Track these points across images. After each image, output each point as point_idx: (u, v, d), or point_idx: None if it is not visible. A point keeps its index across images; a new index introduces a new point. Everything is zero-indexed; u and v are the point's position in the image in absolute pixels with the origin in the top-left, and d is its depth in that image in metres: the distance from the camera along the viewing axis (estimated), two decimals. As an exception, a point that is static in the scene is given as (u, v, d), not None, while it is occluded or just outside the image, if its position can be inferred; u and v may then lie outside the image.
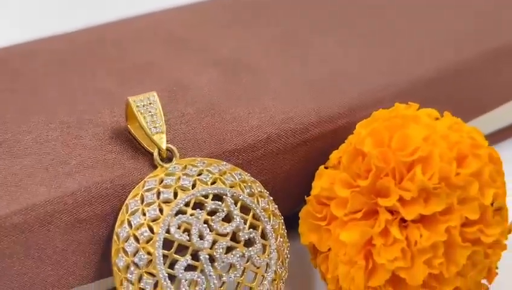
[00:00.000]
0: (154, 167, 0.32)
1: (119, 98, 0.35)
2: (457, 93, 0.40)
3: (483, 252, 0.29)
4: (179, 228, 0.30)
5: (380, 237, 0.30)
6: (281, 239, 0.32)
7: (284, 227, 0.33)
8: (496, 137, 0.44)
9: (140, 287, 0.29)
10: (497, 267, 0.31)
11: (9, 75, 0.37)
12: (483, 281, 0.31)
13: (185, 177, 0.31)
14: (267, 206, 0.32)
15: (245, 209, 0.31)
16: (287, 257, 0.33)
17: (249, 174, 0.33)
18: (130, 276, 0.29)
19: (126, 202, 0.30)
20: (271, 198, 0.33)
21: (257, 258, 0.31)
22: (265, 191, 0.33)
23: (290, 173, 0.35)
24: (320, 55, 0.39)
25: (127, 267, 0.29)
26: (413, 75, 0.38)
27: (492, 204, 0.29)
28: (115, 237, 0.30)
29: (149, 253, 0.29)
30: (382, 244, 0.29)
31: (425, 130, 0.30)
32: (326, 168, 0.33)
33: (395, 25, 0.42)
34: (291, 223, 0.34)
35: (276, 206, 0.33)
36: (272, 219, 0.32)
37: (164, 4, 0.45)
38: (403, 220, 0.30)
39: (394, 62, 0.39)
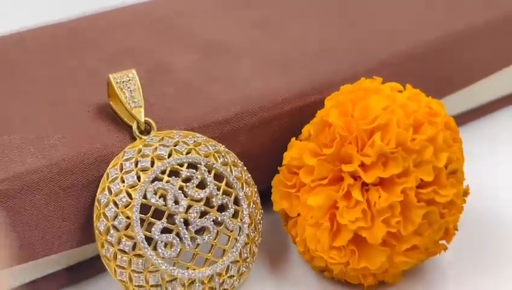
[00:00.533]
0: (134, 139, 0.34)
1: (104, 79, 0.37)
2: (426, 72, 0.42)
3: (438, 212, 0.31)
4: (155, 193, 0.32)
5: (343, 200, 0.32)
6: (254, 205, 0.34)
7: (257, 195, 0.35)
8: (470, 115, 0.46)
9: (119, 249, 0.32)
10: (456, 229, 0.33)
11: (0, 61, 0.39)
12: (443, 241, 0.33)
13: (161, 147, 0.33)
14: (240, 175, 0.34)
15: (219, 178, 0.33)
16: (260, 222, 0.35)
17: (223, 146, 0.35)
18: (110, 238, 0.32)
19: (107, 170, 0.32)
20: (245, 168, 0.35)
21: (230, 222, 0.33)
22: (239, 161, 0.35)
23: (264, 146, 0.37)
24: (294, 37, 0.42)
25: (108, 230, 0.32)
26: (382, 54, 0.40)
27: (446, 167, 0.31)
28: (96, 203, 0.32)
29: (127, 217, 0.31)
30: (345, 206, 0.32)
31: (385, 100, 0.32)
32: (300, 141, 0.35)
33: (366, 7, 0.44)
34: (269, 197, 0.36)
35: (250, 175, 0.35)
36: (244, 186, 0.34)
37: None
38: (365, 184, 0.32)
39: (364, 42, 0.41)
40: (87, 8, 0.46)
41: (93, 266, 0.35)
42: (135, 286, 0.32)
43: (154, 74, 0.38)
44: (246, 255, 0.34)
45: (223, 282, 0.33)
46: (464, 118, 0.46)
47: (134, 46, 0.41)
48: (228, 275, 0.33)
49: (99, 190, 0.32)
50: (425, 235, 0.31)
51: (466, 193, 0.33)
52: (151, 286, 0.32)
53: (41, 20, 0.45)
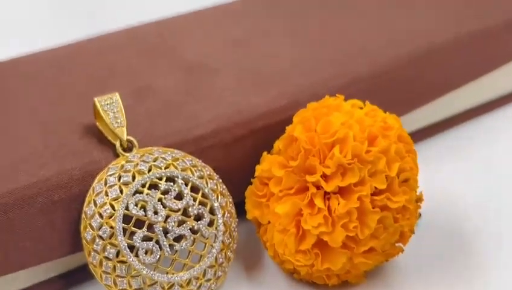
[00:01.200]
0: (117, 156, 0.37)
1: (91, 100, 0.40)
2: (394, 88, 0.45)
3: (392, 217, 0.34)
4: (136, 205, 0.35)
5: (307, 207, 0.35)
6: (228, 215, 0.37)
7: (232, 205, 0.38)
8: (436, 128, 0.50)
9: (104, 256, 0.35)
10: (412, 232, 0.36)
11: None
12: (399, 244, 0.36)
13: (142, 163, 0.36)
14: (215, 187, 0.37)
15: (195, 190, 0.37)
16: (235, 230, 0.38)
17: (200, 161, 0.38)
18: (96, 247, 0.35)
19: (92, 185, 0.36)
20: (220, 180, 0.38)
21: (205, 230, 0.36)
22: (215, 174, 0.38)
23: (239, 160, 0.40)
24: (268, 56, 0.45)
25: (94, 239, 0.35)
26: (351, 72, 0.44)
27: (399, 176, 0.34)
28: (83, 215, 0.35)
29: (111, 227, 0.35)
30: (309, 213, 0.35)
31: (344, 116, 0.36)
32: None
33: (336, 26, 0.48)
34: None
35: (225, 187, 0.38)
36: (219, 197, 0.37)
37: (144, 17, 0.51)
38: (326, 193, 0.35)
39: (333, 60, 0.44)
40: (76, 34, 0.50)
41: (84, 273, 0.38)
42: (119, 289, 0.35)
43: (138, 94, 0.41)
44: (221, 260, 0.37)
45: (200, 285, 0.36)
46: (432, 129, 0.49)
47: (120, 69, 0.44)
48: (205, 278, 0.36)
49: (85, 203, 0.35)
50: (381, 238, 0.34)
51: (419, 199, 0.36)
52: (134, 289, 0.35)
53: (34, 48, 0.48)
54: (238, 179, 0.40)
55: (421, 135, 0.48)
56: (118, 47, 0.47)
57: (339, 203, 0.34)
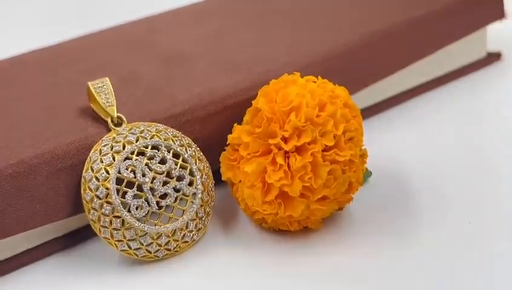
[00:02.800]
0: (109, 130, 0.44)
1: (84, 87, 0.47)
2: (342, 71, 0.52)
3: (340, 169, 0.41)
4: (127, 169, 0.42)
5: (271, 165, 0.42)
6: (206, 177, 0.44)
7: (209, 169, 0.45)
8: (391, 102, 0.57)
9: (102, 213, 0.41)
10: (360, 183, 0.43)
11: (1, 78, 0.50)
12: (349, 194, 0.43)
13: (130, 135, 0.43)
14: (194, 153, 0.44)
15: (176, 156, 0.43)
16: (212, 189, 0.45)
17: (180, 133, 0.45)
18: (95, 205, 0.41)
19: (89, 154, 0.42)
20: (198, 148, 0.45)
21: (186, 188, 0.43)
22: (194, 143, 0.45)
23: (213, 133, 0.47)
24: (237, 45, 0.52)
25: (92, 199, 0.42)
26: (307, 57, 0.50)
27: (344, 135, 0.41)
28: (82, 179, 0.42)
29: (107, 188, 0.41)
30: (271, 170, 0.41)
31: (299, 88, 0.43)
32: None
33: (294, 19, 0.55)
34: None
35: (202, 154, 0.45)
36: (197, 162, 0.44)
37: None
38: (286, 153, 0.42)
39: (292, 46, 0.51)
40: (66, 34, 0.57)
41: (83, 233, 0.45)
42: (115, 240, 0.42)
43: (124, 81, 0.48)
44: (201, 214, 0.43)
45: (184, 235, 0.43)
46: (381, 106, 0.56)
47: (106, 62, 0.51)
48: (188, 230, 0.43)
49: (84, 170, 0.42)
50: (333, 187, 0.41)
51: (364, 155, 0.43)
52: (128, 240, 0.42)
53: (31, 46, 0.55)
54: (213, 149, 0.47)
55: (373, 110, 0.55)
56: (103, 43, 0.54)
57: (296, 160, 0.41)
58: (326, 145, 0.41)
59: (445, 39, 0.58)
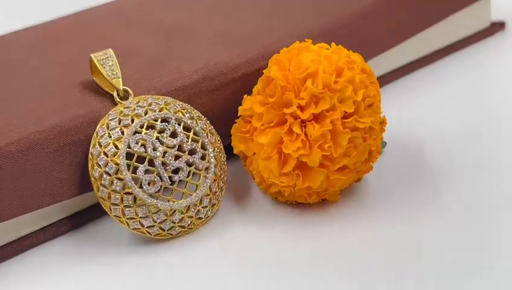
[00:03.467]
0: (115, 104, 0.42)
1: (84, 63, 0.45)
2: (351, 39, 0.50)
3: (360, 137, 0.39)
4: (137, 143, 0.40)
5: (287, 135, 0.40)
6: (218, 150, 0.42)
7: (220, 142, 0.43)
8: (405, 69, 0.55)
9: (112, 189, 0.39)
10: (379, 152, 0.42)
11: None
12: (368, 163, 0.42)
13: (138, 108, 0.41)
14: (205, 126, 0.42)
15: (187, 129, 0.41)
16: (224, 163, 0.43)
17: (189, 105, 0.43)
18: (104, 182, 0.39)
19: (96, 129, 0.40)
20: (208, 121, 0.43)
21: (199, 162, 0.41)
22: (203, 116, 0.43)
23: (223, 105, 0.45)
24: (239, 18, 0.50)
25: (101, 176, 0.39)
26: (312, 26, 0.49)
27: (364, 101, 0.40)
28: (90, 156, 0.40)
29: (116, 163, 0.39)
30: (288, 140, 0.40)
31: (313, 54, 0.41)
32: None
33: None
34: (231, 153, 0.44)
35: (213, 127, 0.43)
36: (209, 135, 0.42)
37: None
38: (303, 122, 0.40)
39: (296, 17, 0.50)
40: (64, 10, 0.54)
41: (90, 214, 0.43)
42: (127, 218, 0.40)
43: (125, 56, 0.46)
44: (215, 189, 0.42)
45: (198, 211, 0.41)
46: (391, 75, 0.55)
47: (106, 36, 0.49)
48: (202, 205, 0.41)
49: (91, 145, 0.40)
50: (353, 156, 0.40)
51: (383, 122, 0.42)
52: (140, 217, 0.40)
53: (24, 23, 0.53)
54: (221, 122, 0.45)
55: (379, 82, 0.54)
56: (99, 19, 0.52)
57: (314, 128, 0.39)
58: (346, 112, 0.39)
59: (450, 7, 0.56)
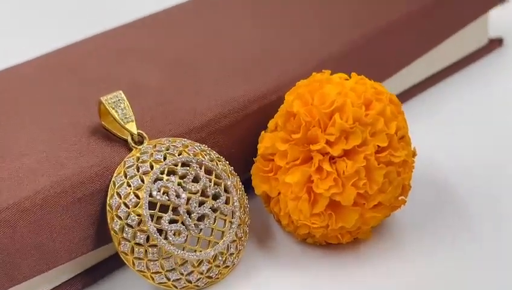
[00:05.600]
0: (130, 150, 0.39)
1: (89, 102, 0.42)
2: (363, 62, 0.49)
3: (395, 171, 0.38)
4: (159, 191, 0.37)
5: (316, 173, 0.38)
6: (240, 192, 0.40)
7: (241, 183, 0.40)
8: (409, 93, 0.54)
9: (136, 243, 0.37)
10: (410, 186, 0.40)
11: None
12: (401, 197, 0.40)
13: (156, 153, 0.38)
14: (225, 167, 0.40)
15: (208, 172, 0.39)
16: (247, 206, 0.40)
17: (206, 146, 0.40)
18: (126, 235, 0.37)
19: (112, 179, 0.37)
20: (227, 162, 0.41)
21: (224, 207, 0.39)
22: (221, 157, 0.40)
23: (239, 143, 0.43)
24: (245, 47, 0.48)
25: (122, 229, 0.37)
26: (324, 53, 0.47)
27: (396, 134, 0.38)
28: (108, 208, 0.37)
29: (138, 215, 0.37)
30: (318, 178, 0.38)
31: (337, 87, 0.39)
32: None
33: (298, 14, 0.51)
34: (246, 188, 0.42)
35: (232, 167, 0.41)
36: (230, 177, 0.40)
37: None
38: (332, 158, 0.38)
39: (305, 44, 0.48)
40: (61, 41, 0.51)
41: (106, 266, 0.40)
42: (152, 273, 0.37)
43: (130, 93, 0.43)
44: (240, 234, 0.39)
45: (225, 260, 0.38)
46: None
47: (107, 72, 0.46)
48: (229, 253, 0.39)
49: (108, 197, 0.37)
50: (388, 192, 0.38)
51: (414, 153, 0.40)
52: (167, 271, 0.37)
53: (19, 58, 0.49)
54: (238, 161, 0.42)
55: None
56: (95, 52, 0.49)
57: (346, 165, 0.37)
58: (379, 147, 0.38)
59: (449, 29, 0.55)
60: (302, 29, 0.49)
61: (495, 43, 0.59)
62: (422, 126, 0.50)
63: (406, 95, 0.54)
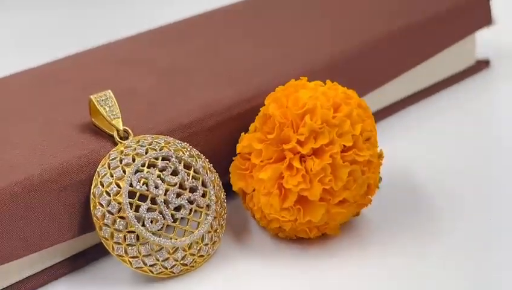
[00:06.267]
0: (115, 144, 0.42)
1: (83, 103, 0.45)
2: (347, 75, 0.51)
3: (360, 170, 0.40)
4: (139, 181, 0.40)
5: (287, 170, 0.41)
6: (218, 187, 0.43)
7: (219, 180, 0.43)
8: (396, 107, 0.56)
9: (115, 228, 0.39)
10: (377, 186, 0.42)
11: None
12: (367, 196, 0.42)
13: (139, 147, 0.41)
14: (204, 164, 0.43)
15: (187, 167, 0.42)
16: (224, 201, 0.43)
17: (188, 144, 0.43)
18: (107, 221, 0.39)
19: (97, 169, 0.41)
20: (207, 160, 0.43)
21: (200, 199, 0.41)
22: (202, 155, 0.43)
23: (220, 144, 0.46)
24: (232, 56, 0.51)
25: (103, 215, 0.40)
26: (307, 65, 0.50)
27: (362, 135, 0.41)
28: (92, 196, 0.40)
29: (119, 203, 0.39)
30: (289, 175, 0.40)
31: (310, 91, 0.42)
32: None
33: (285, 26, 0.55)
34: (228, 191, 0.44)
35: (211, 165, 0.43)
36: (208, 173, 0.42)
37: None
38: (302, 157, 0.41)
39: (289, 55, 0.51)
40: (60, 51, 0.55)
41: (90, 255, 0.43)
42: (130, 257, 0.40)
43: (122, 96, 0.46)
44: (216, 227, 0.42)
45: (200, 249, 0.41)
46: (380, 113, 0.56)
47: (102, 78, 0.50)
48: (204, 243, 0.41)
49: (93, 185, 0.40)
50: (353, 189, 0.40)
51: (381, 155, 0.43)
52: (143, 256, 0.40)
53: (19, 67, 0.53)
54: (219, 160, 0.45)
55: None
56: (95, 61, 0.53)
57: (314, 163, 0.40)
58: (345, 146, 0.40)
59: (435, 47, 0.58)
60: (287, 44, 0.52)
61: (482, 64, 0.62)
62: (403, 140, 0.53)
63: (389, 110, 0.56)
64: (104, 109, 0.42)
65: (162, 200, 0.40)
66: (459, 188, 0.47)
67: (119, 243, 0.40)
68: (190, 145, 0.44)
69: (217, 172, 0.43)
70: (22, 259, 0.40)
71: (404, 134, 0.54)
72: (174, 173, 0.41)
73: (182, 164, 0.41)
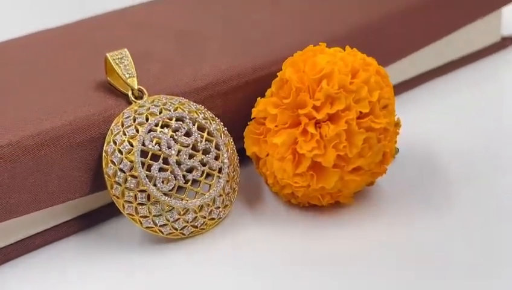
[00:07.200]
0: (130, 103, 0.42)
1: (100, 62, 0.45)
2: (364, 48, 0.51)
3: (375, 137, 0.39)
4: (151, 141, 0.40)
5: (301, 135, 0.40)
6: (231, 151, 0.42)
7: (233, 143, 0.43)
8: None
9: (126, 187, 0.39)
10: (393, 155, 0.42)
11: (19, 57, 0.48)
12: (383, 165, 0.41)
13: (153, 107, 0.41)
14: (218, 127, 0.42)
15: (201, 129, 0.41)
16: (238, 165, 0.43)
17: (203, 106, 0.43)
18: (118, 179, 0.39)
19: (110, 127, 0.40)
20: (221, 123, 0.43)
21: (213, 162, 0.41)
22: (217, 118, 0.43)
23: (236, 108, 0.45)
24: (251, 23, 0.50)
25: (115, 173, 0.39)
26: (326, 33, 0.49)
27: (379, 103, 0.40)
28: (104, 153, 0.40)
29: (131, 161, 0.39)
30: (303, 140, 0.40)
31: (328, 56, 0.41)
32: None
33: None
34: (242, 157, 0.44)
35: (226, 128, 0.43)
36: (222, 136, 0.42)
37: None
38: (317, 123, 0.40)
39: (310, 23, 0.50)
40: (77, 15, 0.55)
41: (101, 214, 0.43)
42: (140, 216, 0.39)
43: (138, 58, 0.46)
44: (228, 190, 0.41)
45: (211, 211, 0.41)
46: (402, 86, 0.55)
47: (119, 40, 0.49)
48: (215, 206, 0.41)
49: (105, 143, 0.40)
50: (367, 157, 0.39)
51: (398, 124, 0.42)
52: (154, 216, 0.39)
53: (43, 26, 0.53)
54: (235, 125, 0.45)
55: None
56: (111, 24, 0.52)
57: (329, 128, 0.39)
58: (361, 113, 0.39)
59: (459, 21, 0.57)
60: (307, 13, 0.52)
61: (507, 41, 0.60)
62: (423, 113, 0.52)
63: (410, 83, 0.55)
64: (120, 67, 0.42)
65: (174, 161, 0.40)
66: (475, 163, 0.46)
67: (129, 202, 0.39)
68: (206, 108, 0.43)
69: (231, 137, 0.43)
70: (32, 215, 0.40)
71: (424, 108, 0.53)
72: (188, 134, 0.41)
73: (196, 126, 0.41)
